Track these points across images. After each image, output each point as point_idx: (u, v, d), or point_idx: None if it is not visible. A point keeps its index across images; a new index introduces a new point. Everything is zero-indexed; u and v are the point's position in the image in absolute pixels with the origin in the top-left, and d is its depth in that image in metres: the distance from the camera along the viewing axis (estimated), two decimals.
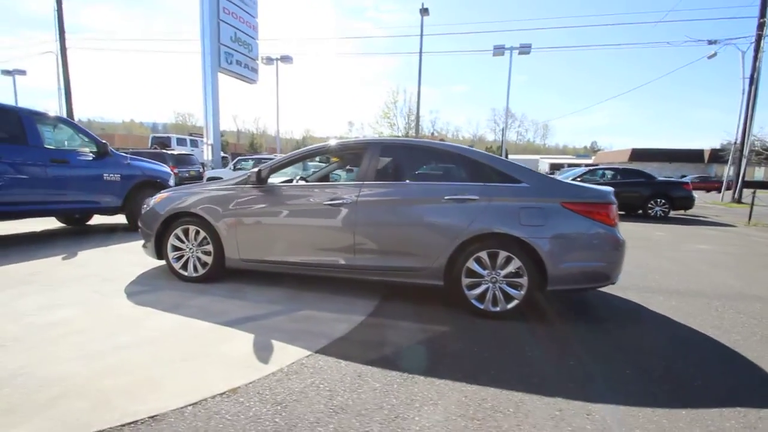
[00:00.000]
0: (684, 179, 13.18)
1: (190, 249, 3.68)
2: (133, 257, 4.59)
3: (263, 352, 2.35)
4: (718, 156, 41.67)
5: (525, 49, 20.61)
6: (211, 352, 2.33)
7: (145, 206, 3.98)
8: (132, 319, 2.78)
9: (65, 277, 3.72)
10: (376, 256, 3.24)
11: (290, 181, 4.05)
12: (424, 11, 20.35)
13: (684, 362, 2.52)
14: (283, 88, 24.48)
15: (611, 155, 56.02)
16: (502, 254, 3.00)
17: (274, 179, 3.72)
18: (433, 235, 3.10)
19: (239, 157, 15.63)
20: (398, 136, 35.12)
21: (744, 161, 20.58)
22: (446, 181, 3.25)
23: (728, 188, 21.76)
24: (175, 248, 3.72)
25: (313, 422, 1.74)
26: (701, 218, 11.83)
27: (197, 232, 3.64)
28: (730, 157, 22.54)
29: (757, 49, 19.46)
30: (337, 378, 2.11)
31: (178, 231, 3.68)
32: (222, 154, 19.87)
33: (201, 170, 15.28)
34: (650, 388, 2.18)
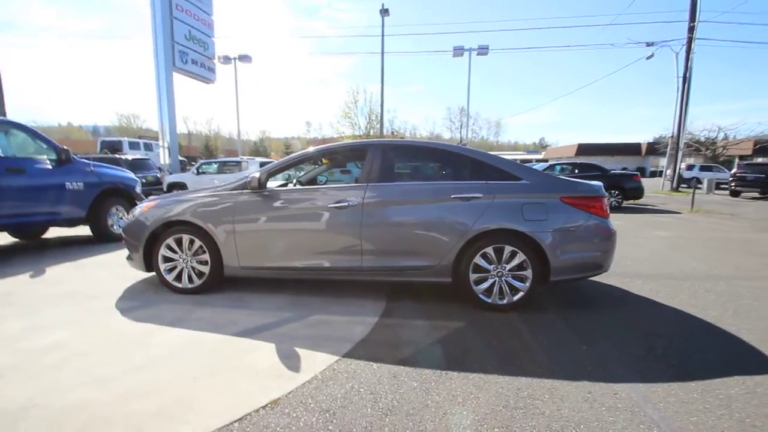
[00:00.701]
0: (635, 171, 14.25)
1: (184, 259, 3.50)
2: (110, 271, 4.29)
3: (291, 361, 2.30)
4: (653, 149, 45.22)
5: (483, 51, 21.31)
6: (236, 365, 2.24)
7: (129, 216, 3.73)
8: (135, 338, 2.61)
9: (43, 297, 3.41)
10: (384, 257, 3.25)
11: (285, 184, 3.96)
12: (385, 12, 20.46)
13: (679, 339, 2.76)
14: (238, 89, 23.65)
15: (560, 150, 59.26)
16: (508, 249, 3.11)
17: (270, 184, 3.62)
18: (441, 233, 3.16)
19: (202, 161, 14.95)
20: (361, 137, 35.09)
21: (680, 153, 22.55)
22: (448, 180, 3.32)
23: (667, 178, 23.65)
24: (167, 259, 3.52)
25: (366, 427, 1.73)
26: (650, 207, 12.83)
27: (192, 241, 3.47)
28: (668, 150, 24.53)
29: (689, 50, 21.29)
30: (374, 380, 2.11)
31: (170, 241, 3.48)
32: (179, 157, 18.90)
33: (159, 175, 14.43)
34: (659, 366, 2.37)
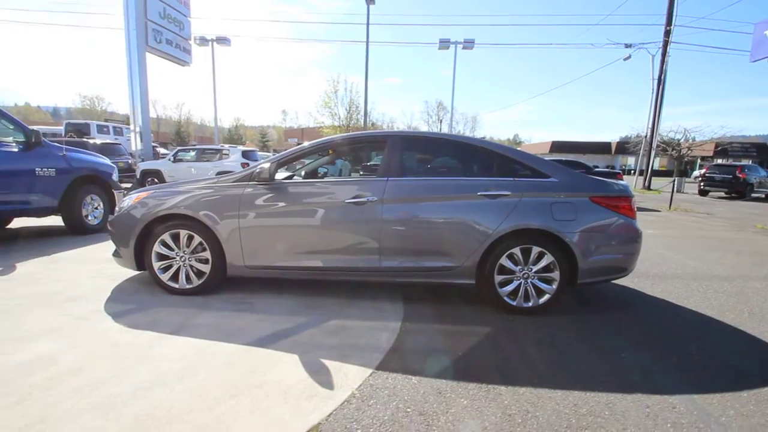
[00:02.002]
0: (618, 170, 14.63)
1: (182, 257, 3.17)
2: (90, 267, 3.88)
3: (321, 376, 2.06)
4: (623, 148, 46.84)
5: (468, 45, 21.21)
6: (260, 382, 1.98)
7: (118, 208, 3.34)
8: (136, 349, 2.29)
9: (17, 299, 3.00)
10: (404, 258, 3.04)
11: (291, 177, 3.66)
12: (371, 0, 19.96)
13: (710, 344, 2.70)
14: (210, 73, 22.53)
15: (534, 147, 60.48)
16: (535, 250, 2.97)
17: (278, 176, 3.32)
18: (466, 232, 2.98)
19: (179, 148, 14.15)
20: (341, 128, 34.49)
21: (653, 153, 23.36)
22: (474, 176, 3.13)
23: (640, 175, 24.48)
24: (162, 257, 3.18)
25: None
26: None
27: (190, 238, 3.14)
28: (642, 149, 25.35)
29: (664, 53, 21.94)
30: (419, 398, 1.91)
31: (166, 237, 3.14)
32: (152, 143, 17.88)
33: (131, 162, 13.57)
34: (703, 374, 2.28)
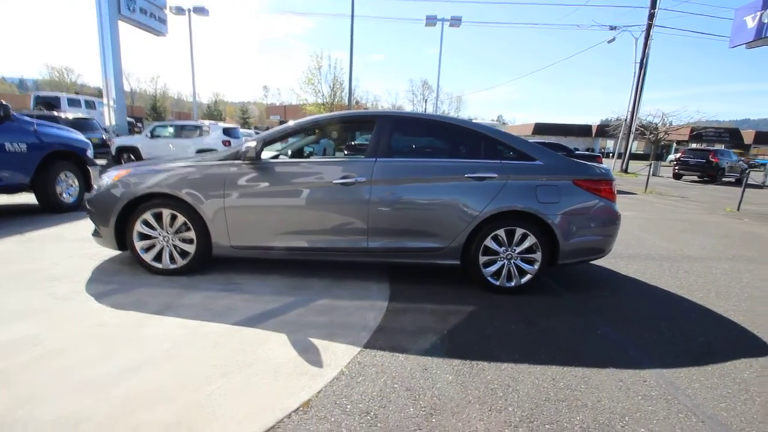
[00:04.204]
0: (598, 153, 14.94)
1: (165, 237, 3.11)
2: (67, 246, 3.78)
3: (310, 354, 2.10)
4: (603, 131, 47.59)
5: (456, 22, 20.86)
6: (250, 361, 2.00)
7: (97, 186, 3.23)
8: (122, 330, 2.28)
9: None
10: (392, 238, 3.07)
11: (276, 156, 3.60)
12: None
13: (679, 321, 2.86)
14: (187, 45, 21.58)
15: (517, 129, 60.82)
16: (519, 231, 3.04)
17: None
18: (453, 214, 3.02)
19: (156, 123, 13.65)
20: (324, 105, 33.76)
21: (632, 136, 23.82)
22: (461, 158, 3.15)
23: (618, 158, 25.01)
24: (144, 236, 3.12)
25: (415, 430, 1.60)
26: None
27: (173, 217, 3.08)
28: (621, 132, 25.82)
29: (647, 36, 22.09)
30: (406, 374, 1.97)
31: (148, 216, 3.07)
32: (127, 118, 17.19)
33: (105, 137, 13.04)
34: (672, 349, 2.43)
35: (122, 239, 3.16)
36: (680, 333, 2.67)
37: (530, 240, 3.05)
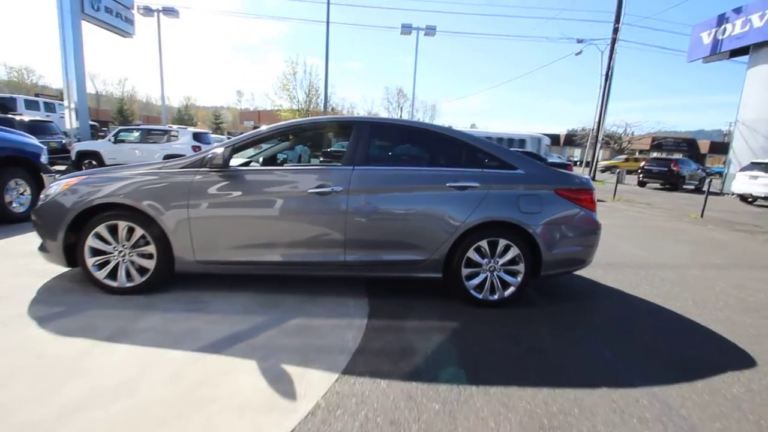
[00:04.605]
0: (567, 162, 15.31)
1: (121, 252, 2.83)
2: (14, 263, 3.41)
3: (282, 385, 1.89)
4: (571, 140, 49.29)
5: (430, 31, 21.11)
6: (213, 396, 1.78)
7: (44, 196, 2.91)
8: (65, 361, 1.99)
9: None
10: (370, 251, 2.90)
11: (248, 163, 3.37)
12: None
13: (661, 333, 2.83)
14: (162, 48, 20.84)
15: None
16: (502, 242, 2.95)
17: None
18: (435, 224, 2.89)
19: (120, 127, 12.96)
20: (300, 111, 33.35)
21: (598, 145, 24.68)
22: (441, 166, 3.03)
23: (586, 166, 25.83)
24: (97, 251, 2.82)
25: None
26: None
27: (130, 230, 2.80)
28: (588, 141, 26.75)
29: (612, 49, 23.04)
30: (390, 405, 1.80)
31: (101, 229, 2.78)
32: (89, 121, 16.30)
33: (65, 142, 12.28)
34: (660, 365, 2.37)
35: (72, 254, 2.84)
36: (665, 346, 2.63)
37: (513, 251, 2.95)
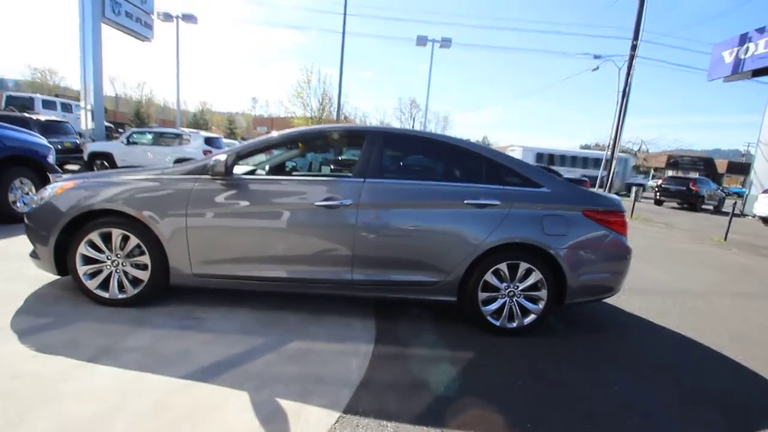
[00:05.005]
0: (585, 178, 14.97)
1: (114, 261, 2.66)
2: (7, 267, 3.27)
3: (276, 424, 1.67)
4: None
5: (446, 44, 21.07)
6: None
7: (38, 199, 2.77)
8: (40, 384, 1.81)
9: None
10: (380, 270, 2.69)
11: (253, 171, 3.20)
12: None
13: (698, 373, 2.56)
14: (180, 53, 21.16)
15: (504, 151, 61.67)
16: (523, 266, 2.71)
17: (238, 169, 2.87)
18: (450, 244, 2.67)
19: (134, 129, 13.05)
20: (313, 119, 33.57)
21: (614, 162, 24.25)
22: (459, 182, 2.82)
23: (600, 185, 25.39)
24: (89, 260, 2.65)
25: None
26: None
27: (125, 238, 2.63)
28: (604, 159, 26.32)
29: (630, 66, 22.72)
30: None
31: (94, 236, 2.62)
32: (105, 123, 16.48)
33: (79, 142, 12.37)
34: (702, 413, 2.10)
35: (63, 262, 2.68)
36: (705, 389, 2.35)
37: (535, 276, 2.71)
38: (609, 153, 23.89)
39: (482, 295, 2.73)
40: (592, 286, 2.85)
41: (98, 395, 1.75)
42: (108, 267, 2.66)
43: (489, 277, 2.71)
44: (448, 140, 2.93)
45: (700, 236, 9.51)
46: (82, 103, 14.80)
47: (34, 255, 2.77)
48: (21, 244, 3.95)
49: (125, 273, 2.67)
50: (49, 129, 11.25)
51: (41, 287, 2.91)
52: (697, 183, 18.93)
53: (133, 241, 2.62)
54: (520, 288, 2.74)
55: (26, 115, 11.69)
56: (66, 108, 18.01)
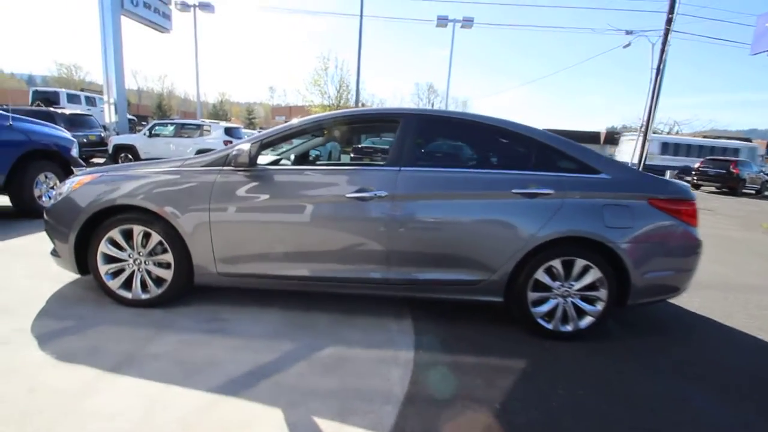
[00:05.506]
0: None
1: (136, 260, 2.51)
2: (31, 263, 3.19)
3: None
4: (612, 138, 46.67)
5: (468, 23, 20.25)
6: None
7: (56, 194, 2.64)
8: (59, 398, 1.66)
9: None
10: (418, 268, 2.45)
11: (278, 161, 2.99)
12: None
13: None
14: (198, 43, 21.17)
15: None
16: (580, 263, 2.41)
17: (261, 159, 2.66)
18: (497, 239, 2.40)
19: (155, 121, 13.12)
20: (330, 106, 33.27)
21: (647, 144, 23.10)
22: (506, 169, 2.52)
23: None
24: (111, 259, 2.51)
25: None
26: None
27: (146, 235, 2.47)
28: (638, 141, 25.09)
29: (665, 42, 21.39)
30: None
31: (115, 233, 2.46)
32: (128, 116, 16.69)
33: (103, 135, 12.52)
34: None
35: (84, 260, 2.55)
36: None
37: (593, 274, 2.41)
38: (643, 135, 22.83)
39: (532, 296, 2.46)
40: (659, 285, 2.53)
41: (119, 412, 1.59)
42: (130, 266, 2.52)
43: (540, 275, 2.43)
44: (492, 122, 2.61)
45: (747, 223, 8.86)
46: (105, 97, 14.96)
47: (54, 253, 2.65)
48: (45, 240, 3.90)
49: (148, 272, 2.52)
50: (74, 123, 11.40)
51: (63, 287, 2.80)
52: (738, 165, 17.80)
53: (155, 238, 2.46)
54: (575, 287, 2.45)
55: (51, 109, 11.89)
56: (90, 102, 18.32)
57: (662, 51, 21.92)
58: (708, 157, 20.03)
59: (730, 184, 17.61)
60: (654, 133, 27.77)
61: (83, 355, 1.97)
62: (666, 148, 23.33)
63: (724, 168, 17.93)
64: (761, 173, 19.60)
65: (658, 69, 22.18)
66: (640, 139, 21.96)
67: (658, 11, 22.39)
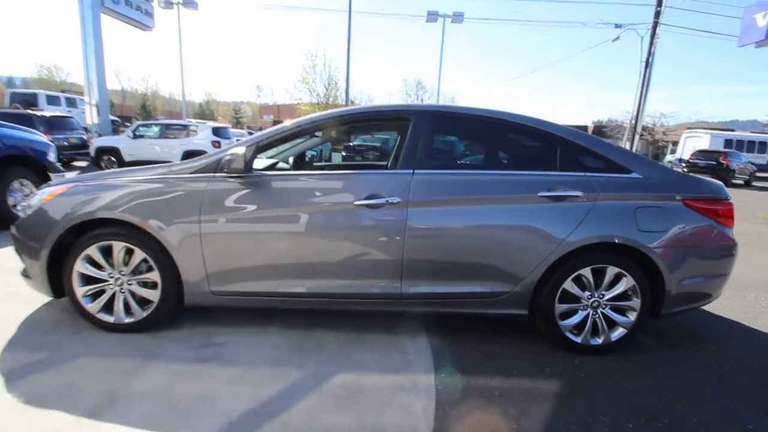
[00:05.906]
0: None
1: (118, 279, 2.22)
2: (3, 281, 2.87)
3: None
4: (600, 132, 47.00)
5: (458, 18, 20.04)
6: None
7: (25, 207, 2.33)
8: None
9: None
10: (435, 281, 2.22)
11: (274, 165, 2.72)
12: None
13: None
14: (182, 41, 20.61)
15: None
16: (611, 270, 2.20)
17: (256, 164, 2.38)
18: (521, 247, 2.17)
19: (140, 122, 12.65)
20: (319, 105, 32.80)
21: (637, 137, 23.21)
22: (530, 170, 2.29)
23: None
24: (89, 279, 2.22)
25: None
26: None
27: (129, 252, 2.19)
28: (626, 133, 25.22)
29: (653, 35, 21.48)
30: None
31: (93, 251, 2.18)
32: (111, 117, 16.13)
33: (85, 137, 12.02)
34: None
35: (59, 281, 2.26)
36: None
37: (626, 282, 2.21)
38: (632, 127, 22.92)
39: (560, 307, 2.24)
40: (694, 292, 2.33)
41: None
42: (111, 286, 2.23)
43: (568, 284, 2.22)
44: (512, 118, 2.37)
45: (744, 214, 8.80)
46: (86, 98, 14.39)
47: (25, 274, 2.35)
48: None
49: (132, 293, 2.24)
50: (53, 125, 10.91)
51: (38, 309, 2.51)
52: (728, 156, 17.96)
53: (139, 255, 2.18)
54: (606, 297, 2.24)
55: (29, 111, 11.36)
56: (71, 103, 17.68)
57: (651, 43, 22.00)
58: (698, 149, 20.20)
59: (720, 175, 17.69)
60: (643, 128, 27.95)
61: (57, 397, 1.70)
62: (729, 145, 22.70)
63: (714, 159, 18.08)
64: (749, 164, 19.82)
65: (647, 62, 22.30)
66: (638, 135, 22.08)
67: (646, 4, 22.37)
